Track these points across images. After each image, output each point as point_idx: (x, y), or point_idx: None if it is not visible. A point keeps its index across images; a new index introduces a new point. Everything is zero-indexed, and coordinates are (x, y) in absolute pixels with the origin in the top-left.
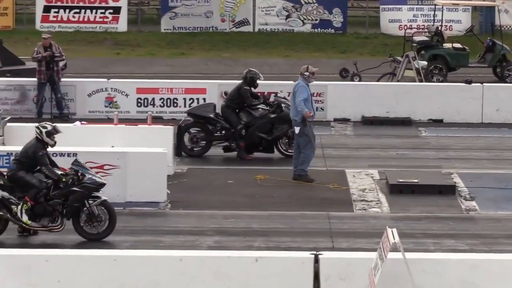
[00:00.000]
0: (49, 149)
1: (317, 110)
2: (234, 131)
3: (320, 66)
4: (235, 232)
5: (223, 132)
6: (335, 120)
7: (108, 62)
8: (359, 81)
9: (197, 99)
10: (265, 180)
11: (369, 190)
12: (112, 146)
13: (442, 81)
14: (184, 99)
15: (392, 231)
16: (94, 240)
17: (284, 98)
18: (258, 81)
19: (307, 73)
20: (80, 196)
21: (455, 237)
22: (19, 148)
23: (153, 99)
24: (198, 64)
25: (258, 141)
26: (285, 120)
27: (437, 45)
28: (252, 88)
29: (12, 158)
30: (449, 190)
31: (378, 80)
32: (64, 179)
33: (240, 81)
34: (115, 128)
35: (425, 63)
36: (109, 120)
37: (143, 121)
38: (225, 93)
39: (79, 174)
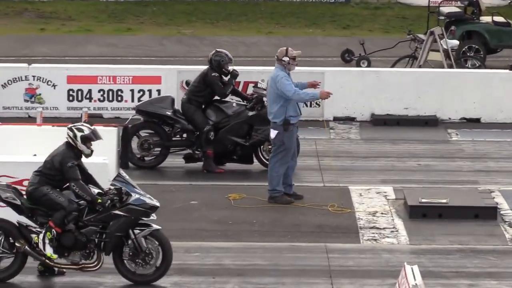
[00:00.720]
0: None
1: (310, 106)
2: (199, 134)
3: (315, 47)
4: (201, 271)
5: (185, 135)
6: (336, 119)
7: (30, 40)
8: (368, 66)
9: (149, 90)
10: (241, 201)
11: (382, 213)
12: (34, 155)
13: (479, 67)
14: (132, 90)
15: (412, 269)
16: (141, 283)
17: (266, 89)
18: (229, 67)
19: (286, 59)
20: (123, 223)
21: (496, 276)
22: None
23: (90, 91)
24: (150, 44)
25: (232, 148)
26: (267, 120)
27: (472, 19)
28: (223, 76)
29: (33, 171)
30: (489, 214)
31: (393, 66)
32: (100, 200)
33: (206, 67)
34: (39, 130)
35: (456, 42)
36: (30, 120)
37: (77, 120)
38: (187, 83)
39: (123, 192)
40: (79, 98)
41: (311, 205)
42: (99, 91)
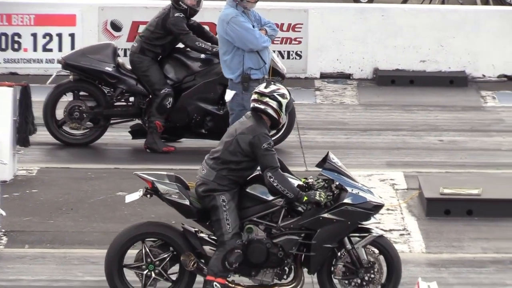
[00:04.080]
0: None
1: (288, 57)
2: (152, 97)
3: None
4: None
5: (132, 99)
6: (324, 76)
7: None
8: (370, 2)
9: (59, 35)
10: None
11: (387, 209)
12: None
13: None
14: (34, 35)
15: (429, 286)
16: None
17: None
18: (200, 1)
19: None
20: (336, 231)
21: None
22: None
23: None
24: None
25: (199, 119)
26: None
27: None
28: (192, 19)
29: (208, 157)
30: None
31: (405, 1)
32: (306, 198)
33: (167, 4)
34: None
35: None
36: None
37: None
38: (114, 25)
39: (334, 186)
40: None
41: None
42: None
